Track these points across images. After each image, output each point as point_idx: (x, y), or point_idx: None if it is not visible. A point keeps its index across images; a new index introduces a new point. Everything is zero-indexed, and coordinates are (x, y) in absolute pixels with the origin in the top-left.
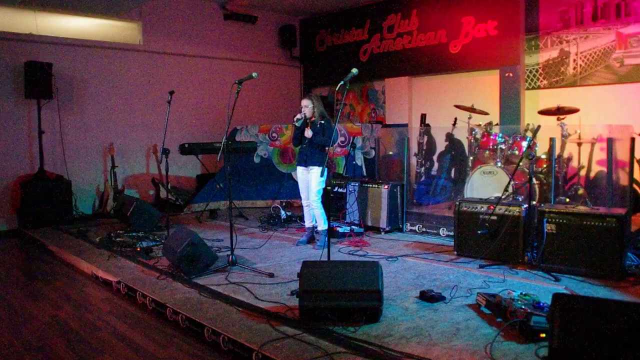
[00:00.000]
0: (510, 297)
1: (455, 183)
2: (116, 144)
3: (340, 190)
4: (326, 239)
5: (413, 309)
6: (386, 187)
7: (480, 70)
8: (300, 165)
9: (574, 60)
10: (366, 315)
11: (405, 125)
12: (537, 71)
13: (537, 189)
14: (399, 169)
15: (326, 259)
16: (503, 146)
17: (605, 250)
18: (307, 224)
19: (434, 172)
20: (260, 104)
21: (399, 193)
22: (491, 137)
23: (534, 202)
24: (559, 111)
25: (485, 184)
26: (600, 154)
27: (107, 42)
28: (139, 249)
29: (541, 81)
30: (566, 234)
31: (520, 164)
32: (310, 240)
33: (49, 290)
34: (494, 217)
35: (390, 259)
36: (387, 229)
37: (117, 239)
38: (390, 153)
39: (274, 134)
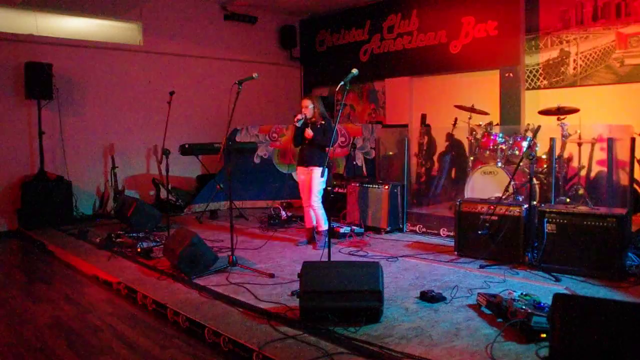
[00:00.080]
0: (510, 297)
1: (456, 183)
2: (116, 145)
3: (341, 190)
4: (327, 240)
5: (413, 310)
6: (386, 187)
7: (481, 71)
8: (301, 165)
9: (574, 60)
10: (367, 316)
11: (406, 126)
12: (537, 71)
13: (537, 189)
14: (399, 169)
15: (327, 260)
16: (503, 146)
17: (606, 250)
18: (308, 224)
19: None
20: (260, 104)
21: (399, 193)
22: (491, 137)
23: (535, 202)
24: (559, 111)
25: (486, 184)
26: (600, 154)
27: (107, 43)
28: (139, 250)
29: (541, 81)
30: (567, 234)
31: (521, 164)
32: (311, 240)
33: (49, 291)
34: (495, 218)
35: (390, 259)
36: (388, 229)
37: (118, 240)
38: (391, 153)
39: (274, 134)
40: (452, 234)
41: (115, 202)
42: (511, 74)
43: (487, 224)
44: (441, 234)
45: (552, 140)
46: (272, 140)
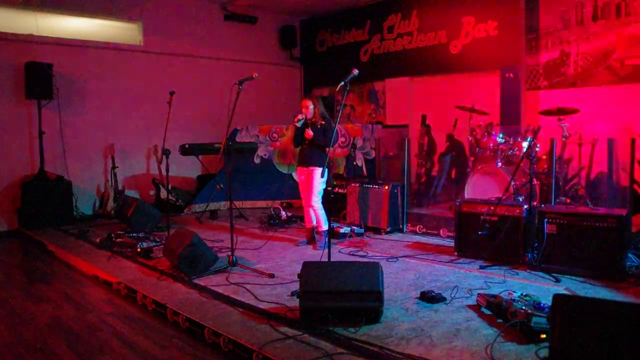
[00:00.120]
0: (510, 297)
1: (456, 183)
2: (117, 145)
3: (341, 190)
4: (327, 240)
5: (413, 310)
6: (386, 187)
7: (481, 71)
8: (301, 165)
9: (575, 61)
10: (367, 316)
11: (406, 126)
12: (537, 72)
13: (537, 190)
14: (399, 169)
15: (327, 260)
16: (504, 147)
17: (606, 251)
18: (308, 224)
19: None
20: (260, 104)
21: (399, 193)
22: (492, 137)
23: (535, 203)
24: (560, 112)
25: (486, 185)
26: (600, 155)
27: (107, 43)
28: (139, 250)
29: (542, 82)
30: (567, 235)
31: (521, 164)
32: (311, 240)
33: (49, 291)
34: (495, 218)
35: (390, 260)
36: (388, 229)
37: (118, 240)
38: (391, 154)
39: (274, 135)
40: (452, 234)
41: (116, 202)
42: (511, 75)
43: (487, 225)
44: (441, 234)
45: (552, 140)
46: (272, 141)
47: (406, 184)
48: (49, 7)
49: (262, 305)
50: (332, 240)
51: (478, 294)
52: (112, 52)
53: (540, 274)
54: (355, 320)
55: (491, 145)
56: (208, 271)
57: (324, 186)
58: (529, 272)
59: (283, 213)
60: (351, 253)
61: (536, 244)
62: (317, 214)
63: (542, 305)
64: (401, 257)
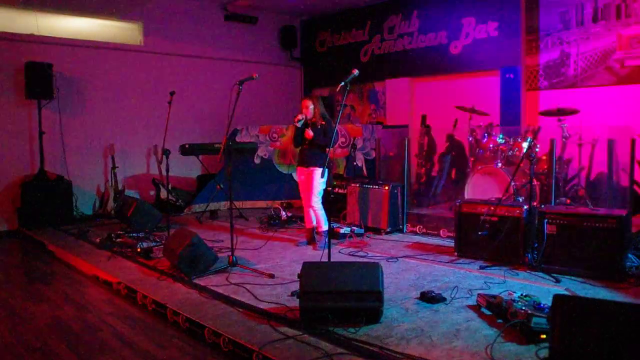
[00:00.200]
0: (510, 298)
1: (456, 184)
2: (117, 144)
3: (341, 191)
4: (327, 240)
5: (413, 310)
6: (387, 187)
7: (481, 71)
8: (301, 166)
9: (575, 62)
10: (367, 316)
11: (406, 126)
12: (537, 72)
13: (537, 190)
14: (399, 169)
15: (327, 260)
16: (504, 147)
17: (606, 251)
18: (308, 224)
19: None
20: (260, 104)
21: (399, 194)
22: (492, 138)
23: (535, 203)
24: (560, 112)
25: (486, 185)
26: (600, 155)
27: (108, 43)
28: (139, 250)
29: (542, 82)
30: (567, 235)
31: (521, 165)
32: (311, 241)
33: (49, 291)
34: (495, 218)
35: (390, 260)
36: (388, 229)
37: (118, 240)
38: (391, 154)
39: (274, 135)
40: (452, 234)
41: (116, 202)
42: (511, 75)
43: (487, 225)
44: (441, 234)
45: (552, 141)
46: (272, 141)
47: (406, 184)
48: (49, 7)
49: (262, 306)
50: (332, 241)
51: (478, 294)
52: (112, 52)
53: (540, 274)
54: (355, 321)
55: (491, 145)
56: (208, 271)
57: (324, 186)
58: (529, 272)
59: (283, 213)
60: (351, 253)
61: (536, 245)
62: (317, 214)
63: (542, 305)
64: (401, 257)
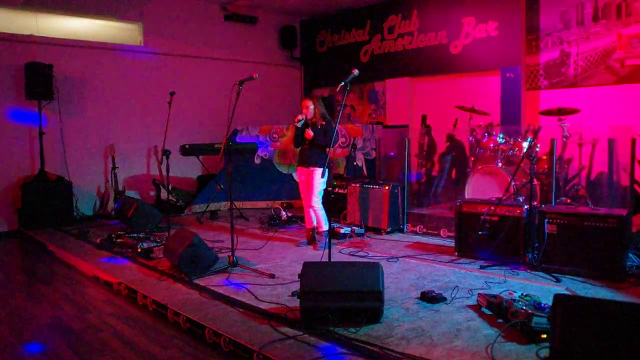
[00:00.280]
0: (511, 297)
1: (456, 184)
2: (117, 145)
3: (341, 191)
4: (327, 240)
5: (414, 310)
6: (387, 187)
7: (481, 71)
8: (301, 166)
9: (575, 61)
10: (367, 316)
11: (406, 126)
12: (537, 72)
13: (537, 190)
14: (399, 169)
15: (327, 260)
16: (504, 147)
17: (606, 251)
18: (308, 225)
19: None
20: (260, 105)
21: (399, 194)
22: (492, 137)
23: (535, 203)
24: (560, 112)
25: (486, 185)
26: (601, 155)
27: (108, 43)
28: (139, 250)
29: (542, 82)
30: (567, 235)
31: (521, 164)
32: (311, 241)
33: (49, 291)
34: (495, 218)
35: (391, 260)
36: (388, 229)
37: (118, 240)
38: (391, 154)
39: (274, 135)
40: (452, 234)
41: (116, 203)
42: (512, 75)
43: (488, 225)
44: (441, 234)
45: (552, 140)
46: (272, 141)
47: (406, 184)
48: (49, 7)
49: (263, 306)
50: (333, 241)
51: (478, 294)
52: (112, 52)
53: (541, 274)
54: (356, 321)
55: (491, 145)
56: (208, 271)
57: (324, 186)
58: (530, 272)
59: (283, 213)
60: (351, 253)
61: (536, 244)
62: (318, 214)
63: (542, 305)
64: (401, 257)
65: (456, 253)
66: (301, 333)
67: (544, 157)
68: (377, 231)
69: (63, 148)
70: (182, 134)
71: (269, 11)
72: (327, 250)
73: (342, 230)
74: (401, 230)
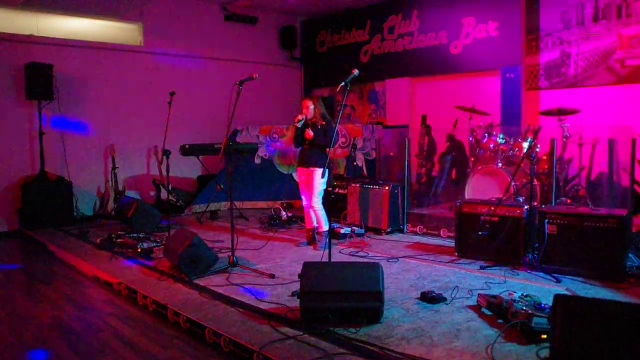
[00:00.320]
0: (511, 298)
1: (456, 184)
2: (117, 145)
3: (341, 191)
4: (327, 240)
5: (414, 310)
6: (387, 188)
7: (481, 71)
8: (301, 166)
9: (575, 61)
10: (367, 316)
11: (406, 126)
12: (537, 72)
13: (537, 190)
14: (399, 169)
15: (327, 260)
16: (504, 147)
17: (606, 251)
18: (308, 225)
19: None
20: (260, 105)
21: (399, 194)
22: (492, 137)
23: (535, 203)
24: (560, 112)
25: (486, 185)
26: (601, 155)
27: (108, 43)
28: (139, 250)
29: (542, 82)
30: (567, 235)
31: (521, 164)
32: (311, 241)
33: (49, 291)
34: (495, 218)
35: (391, 260)
36: (388, 230)
37: (118, 240)
38: (391, 154)
39: (274, 135)
40: (452, 234)
41: (116, 203)
42: (512, 75)
43: (488, 225)
44: (441, 234)
45: (552, 141)
46: (272, 141)
47: (406, 184)
48: (49, 7)
49: (263, 306)
50: (333, 241)
51: (478, 294)
52: (112, 52)
53: (541, 274)
54: (356, 321)
55: (491, 145)
56: (208, 271)
57: (325, 187)
58: (530, 272)
59: (283, 213)
60: (352, 253)
61: (537, 245)
62: (318, 214)
63: (542, 305)
64: (401, 257)
65: (456, 253)
66: (301, 333)
67: (544, 158)
68: (377, 231)
69: (63, 148)
70: (182, 134)
71: (269, 11)
72: (327, 251)
73: (342, 231)
74: (401, 231)
